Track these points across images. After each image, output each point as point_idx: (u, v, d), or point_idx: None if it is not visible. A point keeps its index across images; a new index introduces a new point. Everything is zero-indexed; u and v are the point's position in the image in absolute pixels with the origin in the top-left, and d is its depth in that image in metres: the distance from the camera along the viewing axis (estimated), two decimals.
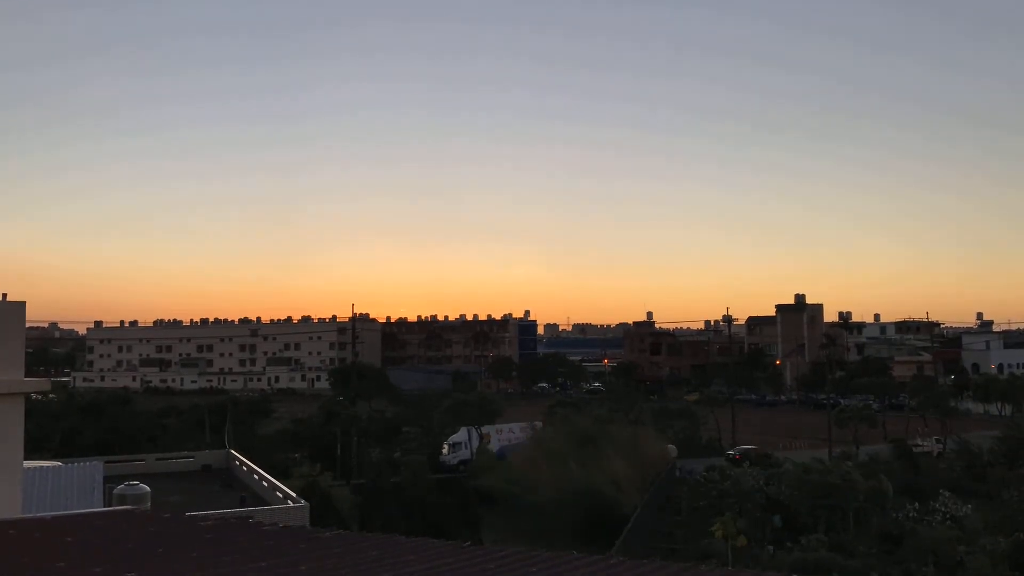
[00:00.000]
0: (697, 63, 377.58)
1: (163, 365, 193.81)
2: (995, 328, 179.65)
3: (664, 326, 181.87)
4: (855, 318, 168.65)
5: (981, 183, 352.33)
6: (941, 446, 76.23)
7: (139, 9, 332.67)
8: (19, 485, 9.22)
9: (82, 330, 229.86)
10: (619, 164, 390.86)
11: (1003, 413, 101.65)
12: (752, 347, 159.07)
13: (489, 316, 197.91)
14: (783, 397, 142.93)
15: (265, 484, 43.84)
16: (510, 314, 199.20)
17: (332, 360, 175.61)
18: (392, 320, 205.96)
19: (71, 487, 29.82)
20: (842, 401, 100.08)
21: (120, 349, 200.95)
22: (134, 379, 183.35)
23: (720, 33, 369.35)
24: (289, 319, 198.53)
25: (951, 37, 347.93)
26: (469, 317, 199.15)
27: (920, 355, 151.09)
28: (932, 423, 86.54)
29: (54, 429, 67.95)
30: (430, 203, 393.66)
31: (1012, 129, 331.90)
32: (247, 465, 49.34)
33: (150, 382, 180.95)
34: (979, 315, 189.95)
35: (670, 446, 69.74)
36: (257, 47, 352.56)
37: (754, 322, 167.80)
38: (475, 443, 70.08)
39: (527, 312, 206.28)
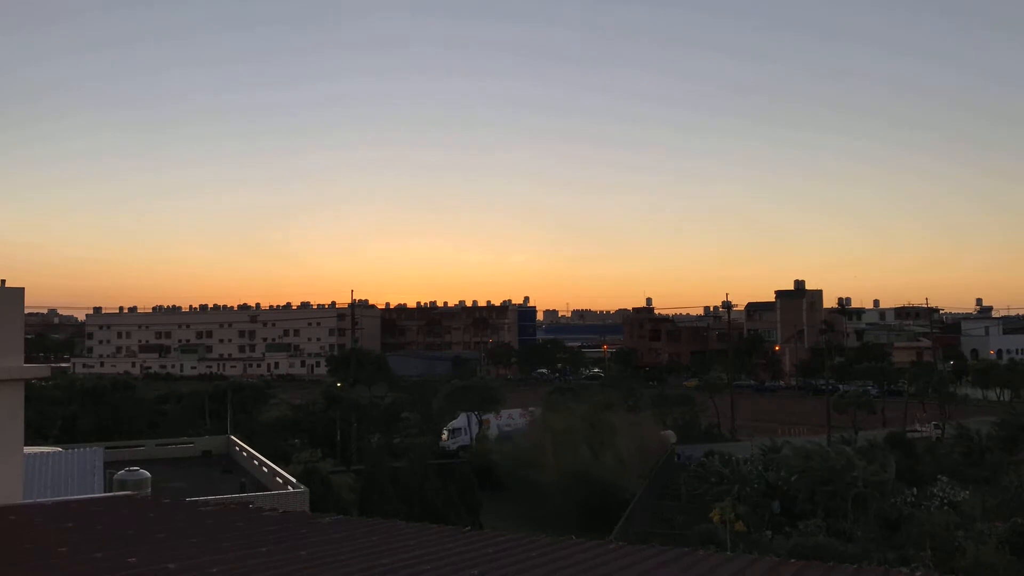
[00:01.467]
0: (695, 58, 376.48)
1: (162, 351, 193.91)
2: (994, 314, 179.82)
3: (663, 312, 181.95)
4: (854, 304, 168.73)
5: (980, 171, 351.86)
6: (940, 431, 76.33)
7: (135, 3, 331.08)
8: (20, 471, 9.23)
9: (81, 316, 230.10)
10: (618, 152, 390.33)
11: (1002, 399, 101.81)
12: (751, 333, 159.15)
13: (488, 302, 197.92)
14: (782, 383, 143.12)
15: (265, 470, 43.96)
16: (509, 300, 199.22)
17: (331, 346, 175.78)
18: (391, 306, 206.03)
19: (72, 473, 29.88)
20: (841, 387, 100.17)
21: (119, 335, 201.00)
22: (133, 365, 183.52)
23: (717, 30, 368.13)
24: (288, 305, 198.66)
25: (945, 29, 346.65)
26: (468, 303, 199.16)
27: (919, 341, 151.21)
28: (931, 408, 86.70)
29: (54, 415, 68.05)
30: (430, 190, 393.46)
31: (1011, 118, 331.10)
32: (247, 451, 49.45)
33: (149, 368, 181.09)
34: (978, 301, 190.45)
35: (669, 432, 69.92)
36: (258, 36, 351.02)
37: (753, 308, 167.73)
38: (475, 429, 70.23)
39: (526, 298, 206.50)
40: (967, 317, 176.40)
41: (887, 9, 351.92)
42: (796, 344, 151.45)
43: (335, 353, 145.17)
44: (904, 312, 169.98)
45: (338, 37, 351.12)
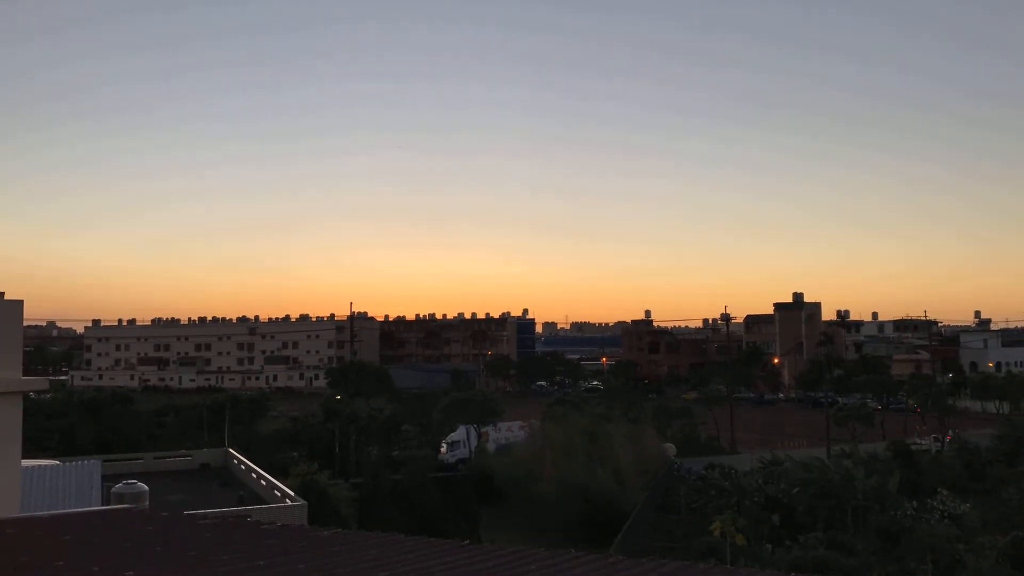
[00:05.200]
0: (695, 67, 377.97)
1: (161, 364, 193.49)
2: (993, 326, 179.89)
3: (662, 324, 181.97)
4: (853, 316, 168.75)
5: (979, 182, 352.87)
6: (939, 444, 76.20)
7: (138, 12, 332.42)
8: (17, 484, 9.20)
9: (80, 329, 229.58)
10: (618, 164, 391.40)
11: (1001, 411, 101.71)
12: (750, 345, 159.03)
13: (487, 314, 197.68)
14: (781, 395, 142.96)
15: (263, 483, 43.83)
16: (508, 312, 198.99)
17: (330, 359, 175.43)
18: (390, 318, 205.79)
19: (69, 486, 29.81)
20: (840, 399, 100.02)
21: (118, 348, 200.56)
22: (132, 378, 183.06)
23: (717, 39, 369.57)
24: (287, 318, 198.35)
25: (949, 42, 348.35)
26: (467, 315, 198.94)
27: (918, 353, 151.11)
28: (930, 421, 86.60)
29: (52, 428, 67.89)
30: (429, 201, 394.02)
31: (1010, 129, 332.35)
32: (245, 464, 49.32)
33: (148, 381, 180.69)
34: (977, 313, 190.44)
35: (669, 444, 69.84)
36: (255, 45, 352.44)
37: (752, 320, 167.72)
38: (473, 442, 70.07)
39: (525, 311, 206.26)
40: (966, 330, 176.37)
41: (892, 22, 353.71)
42: (795, 356, 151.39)
43: (334, 365, 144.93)
44: (903, 325, 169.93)
45: (336, 47, 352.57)
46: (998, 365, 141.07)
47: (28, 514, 9.24)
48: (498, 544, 7.25)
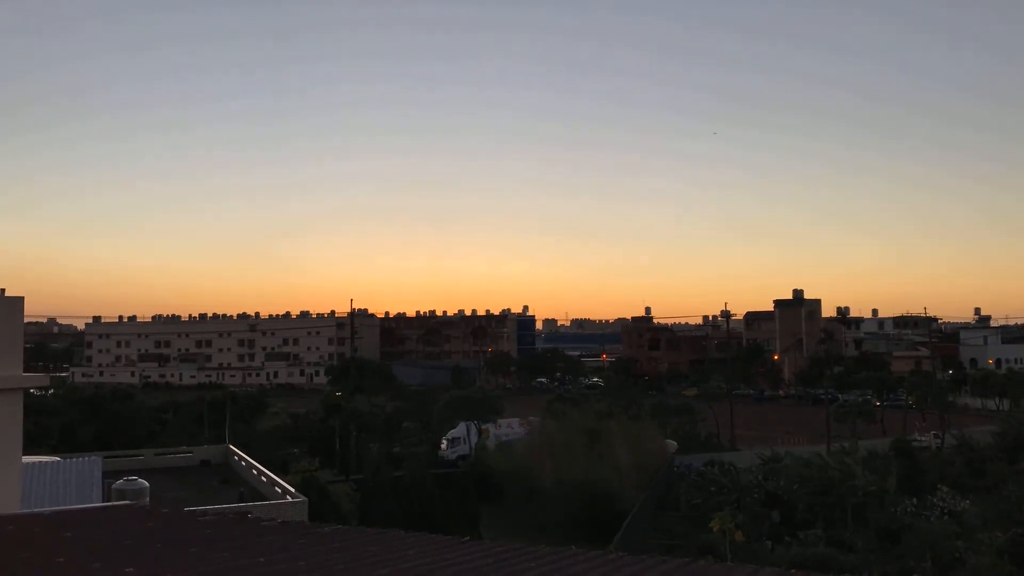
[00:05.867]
0: (692, 66, 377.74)
1: (162, 360, 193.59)
2: (993, 323, 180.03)
3: (662, 321, 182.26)
4: (853, 313, 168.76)
5: (979, 180, 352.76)
6: (939, 441, 76.18)
7: (135, 14, 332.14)
8: (18, 480, 9.20)
9: (81, 325, 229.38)
10: (617, 160, 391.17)
11: (1001, 408, 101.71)
12: (750, 342, 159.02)
13: (488, 311, 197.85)
14: (781, 392, 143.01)
15: (264, 479, 43.88)
16: (508, 309, 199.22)
17: (331, 355, 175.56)
18: (391, 315, 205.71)
19: (70, 482, 29.80)
20: (840, 396, 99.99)
21: (119, 344, 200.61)
22: (132, 374, 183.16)
23: (714, 37, 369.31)
24: (288, 314, 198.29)
25: (941, 37, 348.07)
26: (468, 312, 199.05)
27: (918, 350, 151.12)
28: (930, 418, 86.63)
29: (53, 425, 67.90)
30: (429, 198, 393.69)
31: (1009, 129, 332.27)
32: (246, 460, 49.36)
33: (149, 377, 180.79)
34: (977, 310, 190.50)
35: (669, 441, 69.87)
36: (254, 44, 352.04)
37: (752, 317, 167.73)
38: (474, 438, 70.12)
39: (525, 307, 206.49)
40: (966, 326, 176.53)
41: (891, 22, 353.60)
42: (795, 353, 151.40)
43: (334, 362, 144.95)
44: (903, 321, 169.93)
45: (335, 48, 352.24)
46: (998, 362, 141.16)
47: (29, 510, 9.24)
48: (498, 540, 7.25)
